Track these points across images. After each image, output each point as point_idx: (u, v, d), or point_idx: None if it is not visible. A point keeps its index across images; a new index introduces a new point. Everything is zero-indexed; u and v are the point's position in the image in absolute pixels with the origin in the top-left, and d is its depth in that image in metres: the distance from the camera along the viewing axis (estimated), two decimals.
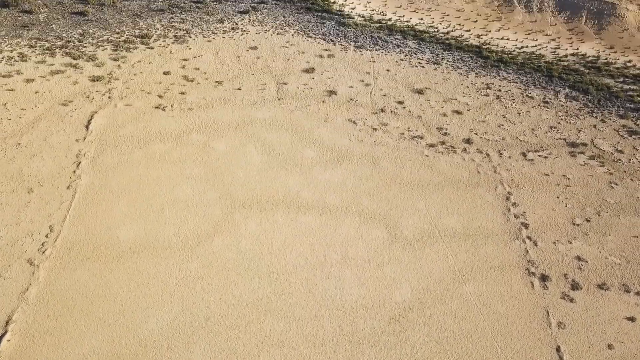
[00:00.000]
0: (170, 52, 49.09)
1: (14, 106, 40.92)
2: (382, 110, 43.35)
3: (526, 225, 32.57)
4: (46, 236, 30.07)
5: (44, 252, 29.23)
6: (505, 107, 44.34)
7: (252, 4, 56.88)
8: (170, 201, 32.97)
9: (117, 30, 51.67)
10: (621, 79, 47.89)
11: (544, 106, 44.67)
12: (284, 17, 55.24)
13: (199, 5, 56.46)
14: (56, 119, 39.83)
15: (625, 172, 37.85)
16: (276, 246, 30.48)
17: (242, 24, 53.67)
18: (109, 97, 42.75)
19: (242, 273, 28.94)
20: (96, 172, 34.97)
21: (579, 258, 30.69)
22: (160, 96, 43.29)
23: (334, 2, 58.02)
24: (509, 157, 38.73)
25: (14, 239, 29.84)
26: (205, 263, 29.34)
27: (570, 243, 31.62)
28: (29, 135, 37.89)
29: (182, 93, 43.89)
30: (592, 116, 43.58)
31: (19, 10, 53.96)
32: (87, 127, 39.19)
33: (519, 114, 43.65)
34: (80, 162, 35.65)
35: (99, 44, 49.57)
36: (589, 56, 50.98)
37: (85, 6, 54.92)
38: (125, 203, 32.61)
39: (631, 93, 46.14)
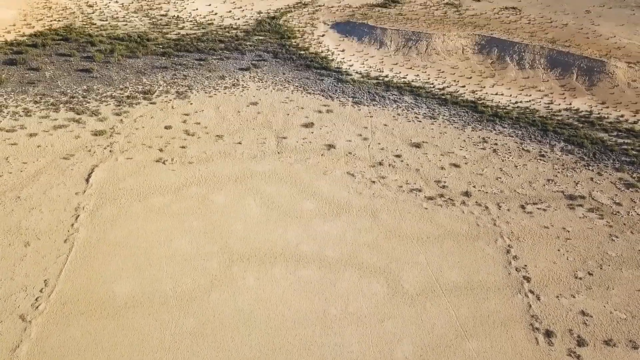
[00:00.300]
0: (172, 107, 50.13)
1: (16, 160, 41.30)
2: (380, 164, 43.77)
3: (528, 279, 32.14)
4: (40, 291, 29.53)
5: (37, 307, 28.61)
6: (503, 161, 44.84)
7: (253, 62, 58.66)
8: (167, 255, 32.64)
9: (120, 86, 53.00)
10: (615, 133, 48.74)
11: (540, 159, 45.19)
12: (284, 74, 56.84)
13: (202, 62, 58.21)
14: (57, 172, 40.11)
15: (625, 224, 37.78)
16: (274, 301, 29.90)
17: (243, 80, 55.14)
18: (110, 151, 43.23)
19: (240, 329, 28.23)
20: (94, 225, 34.83)
21: (583, 313, 30.07)
22: (161, 150, 43.80)
23: (332, 60, 59.87)
24: (508, 210, 38.75)
25: (7, 293, 29.28)
26: (202, 319, 28.67)
27: (574, 297, 31.09)
28: (29, 189, 38.01)
29: (183, 147, 44.45)
30: (589, 169, 44.01)
31: (26, 68, 55.53)
32: (87, 180, 39.40)
33: (516, 167, 44.08)
34: (78, 215, 35.57)
35: (103, 99, 50.69)
36: (582, 111, 52.11)
37: (91, 64, 56.59)
38: (123, 257, 32.26)
39: (625, 147, 46.82)
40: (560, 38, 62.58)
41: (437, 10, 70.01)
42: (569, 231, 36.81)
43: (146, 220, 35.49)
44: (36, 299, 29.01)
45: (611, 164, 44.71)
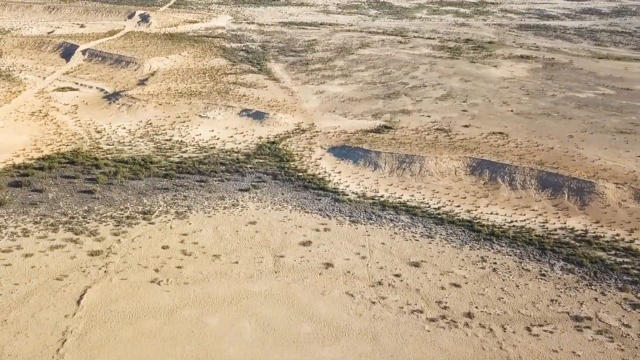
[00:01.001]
0: (171, 227, 50.44)
1: (8, 281, 40.48)
2: (380, 283, 43.00)
3: None
4: None
5: None
6: (503, 280, 44.18)
7: (253, 183, 60.34)
8: None
9: (121, 207, 53.80)
10: (613, 252, 48.70)
11: (541, 279, 44.57)
12: (283, 194, 58.17)
13: (202, 184, 59.80)
14: (48, 294, 39.09)
15: (637, 347, 36.16)
16: None
17: (242, 200, 56.24)
18: (105, 272, 42.59)
19: None
20: (81, 350, 33.10)
21: None
22: (156, 270, 43.20)
23: (329, 181, 61.69)
24: (514, 332, 37.29)
25: None
26: None
27: None
28: (17, 311, 36.74)
29: (179, 267, 43.91)
30: (592, 289, 43.23)
31: (30, 189, 56.78)
32: (78, 302, 38.28)
33: (518, 286, 43.31)
34: (65, 340, 33.97)
35: (102, 220, 51.14)
36: (578, 230, 52.59)
37: (94, 185, 58.02)
38: None
39: (626, 266, 46.51)
40: (548, 160, 65.28)
41: (428, 135, 73.86)
42: (579, 355, 35.09)
43: (136, 345, 33.85)
44: None
45: (614, 284, 44.05)
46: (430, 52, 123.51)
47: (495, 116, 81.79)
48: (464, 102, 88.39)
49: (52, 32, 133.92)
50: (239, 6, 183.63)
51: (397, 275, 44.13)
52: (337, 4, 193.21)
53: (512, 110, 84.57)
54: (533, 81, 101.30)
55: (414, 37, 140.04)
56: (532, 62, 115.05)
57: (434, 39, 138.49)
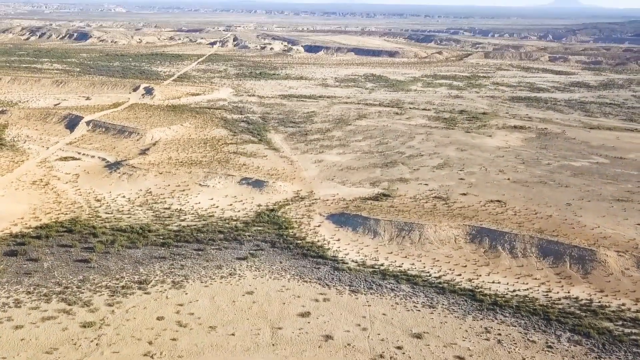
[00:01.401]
0: (167, 297, 49.33)
1: None
2: (382, 356, 41.48)
3: None
4: None
5: None
6: (509, 352, 42.66)
7: (251, 251, 59.73)
8: None
9: (117, 276, 52.90)
10: (620, 323, 47.42)
11: (548, 351, 43.08)
12: (281, 262, 57.43)
13: (200, 252, 59.18)
14: None
15: None
16: None
17: (239, 269, 55.42)
18: (97, 344, 41.14)
19: None
20: None
21: None
22: (150, 343, 41.76)
23: (328, 249, 61.14)
24: None
25: None
26: None
27: None
28: None
29: (174, 339, 42.48)
30: None
31: (25, 259, 56.07)
32: None
33: (524, 359, 41.77)
34: None
35: (97, 289, 50.10)
36: (582, 299, 51.51)
37: (90, 254, 57.36)
38: None
39: (634, 337, 45.14)
40: (548, 228, 65.15)
41: (426, 202, 74.17)
42: None
43: None
44: None
45: (624, 356, 42.55)
46: (426, 122, 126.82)
47: (493, 184, 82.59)
48: (460, 170, 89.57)
49: (59, 104, 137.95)
50: (240, 80, 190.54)
51: (399, 348, 42.66)
52: (335, 78, 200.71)
53: (508, 179, 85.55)
54: (528, 150, 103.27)
55: (410, 108, 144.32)
56: (526, 132, 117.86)
57: (429, 110, 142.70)
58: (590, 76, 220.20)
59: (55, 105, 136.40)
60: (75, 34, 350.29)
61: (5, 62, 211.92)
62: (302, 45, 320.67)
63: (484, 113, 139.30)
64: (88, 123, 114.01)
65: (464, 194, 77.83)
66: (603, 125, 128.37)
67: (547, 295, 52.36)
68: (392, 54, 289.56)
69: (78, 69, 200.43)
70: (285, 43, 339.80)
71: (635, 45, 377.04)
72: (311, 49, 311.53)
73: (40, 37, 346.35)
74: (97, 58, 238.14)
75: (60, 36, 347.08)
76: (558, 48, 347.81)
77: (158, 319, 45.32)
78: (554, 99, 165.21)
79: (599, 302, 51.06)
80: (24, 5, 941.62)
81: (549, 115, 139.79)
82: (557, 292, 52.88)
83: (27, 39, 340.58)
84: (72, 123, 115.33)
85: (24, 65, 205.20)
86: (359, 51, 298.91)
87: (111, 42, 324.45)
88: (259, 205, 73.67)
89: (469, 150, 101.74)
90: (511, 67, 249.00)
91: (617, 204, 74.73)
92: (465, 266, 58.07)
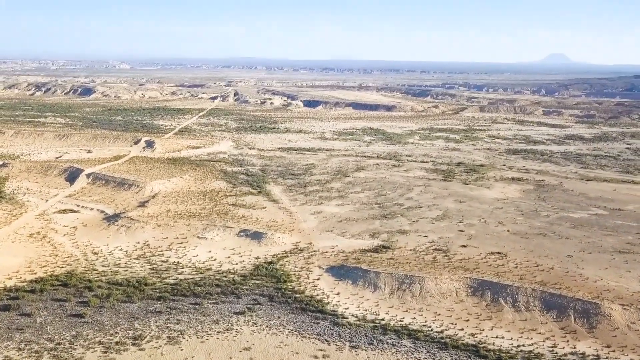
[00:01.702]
0: (161, 353, 47.91)
1: None
2: None
3: None
4: None
5: None
6: None
7: (249, 305, 58.56)
8: None
9: (111, 331, 51.59)
10: None
11: None
12: (279, 317, 56.18)
13: (196, 306, 58.00)
14: None
15: None
16: None
17: (237, 324, 54.13)
18: None
19: None
20: None
21: None
22: None
23: (328, 303, 59.99)
24: None
25: None
26: None
27: None
28: None
29: None
30: None
31: (18, 313, 54.85)
32: None
33: None
34: None
35: (90, 345, 48.73)
36: (589, 355, 50.07)
37: (85, 308, 56.18)
38: None
39: None
40: (550, 281, 64.27)
41: (426, 255, 73.50)
42: None
43: None
44: None
45: None
46: (424, 174, 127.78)
47: (492, 236, 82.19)
48: (460, 222, 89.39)
49: (60, 157, 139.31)
50: (240, 133, 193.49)
51: None
52: (333, 131, 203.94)
53: (508, 230, 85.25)
54: (526, 202, 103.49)
55: (408, 160, 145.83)
56: (524, 184, 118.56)
57: (426, 162, 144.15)
58: (585, 129, 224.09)
59: (56, 158, 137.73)
60: (80, 89, 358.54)
61: (9, 117, 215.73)
62: (301, 100, 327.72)
63: (481, 165, 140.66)
64: (88, 175, 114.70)
65: (464, 246, 77.31)
66: (600, 177, 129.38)
67: (552, 350, 50.95)
68: (389, 108, 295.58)
69: (81, 123, 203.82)
70: (285, 98, 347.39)
71: (627, 99, 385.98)
72: (310, 103, 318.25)
73: (45, 92, 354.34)
74: (100, 112, 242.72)
75: (65, 91, 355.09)
76: (551, 102, 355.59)
77: None
78: (550, 151, 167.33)
79: (607, 357, 49.64)
80: (32, 62, 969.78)
81: (545, 167, 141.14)
82: (563, 348, 51.49)
83: (33, 94, 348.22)
84: (72, 175, 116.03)
85: (27, 119, 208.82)
86: (356, 105, 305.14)
87: (114, 96, 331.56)
88: (257, 258, 72.93)
89: (467, 202, 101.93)
90: (506, 120, 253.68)
91: (619, 256, 74.10)
92: (468, 320, 56.82)
